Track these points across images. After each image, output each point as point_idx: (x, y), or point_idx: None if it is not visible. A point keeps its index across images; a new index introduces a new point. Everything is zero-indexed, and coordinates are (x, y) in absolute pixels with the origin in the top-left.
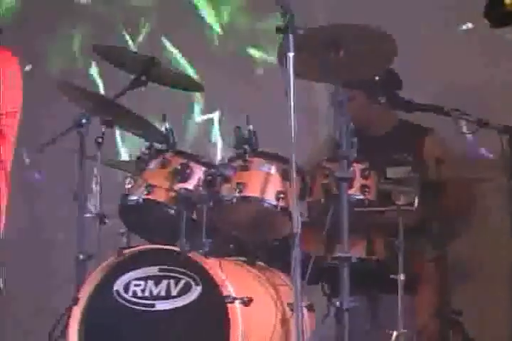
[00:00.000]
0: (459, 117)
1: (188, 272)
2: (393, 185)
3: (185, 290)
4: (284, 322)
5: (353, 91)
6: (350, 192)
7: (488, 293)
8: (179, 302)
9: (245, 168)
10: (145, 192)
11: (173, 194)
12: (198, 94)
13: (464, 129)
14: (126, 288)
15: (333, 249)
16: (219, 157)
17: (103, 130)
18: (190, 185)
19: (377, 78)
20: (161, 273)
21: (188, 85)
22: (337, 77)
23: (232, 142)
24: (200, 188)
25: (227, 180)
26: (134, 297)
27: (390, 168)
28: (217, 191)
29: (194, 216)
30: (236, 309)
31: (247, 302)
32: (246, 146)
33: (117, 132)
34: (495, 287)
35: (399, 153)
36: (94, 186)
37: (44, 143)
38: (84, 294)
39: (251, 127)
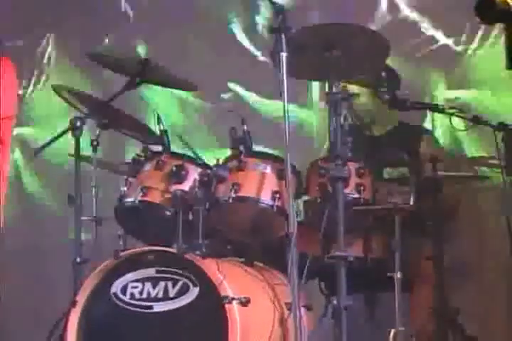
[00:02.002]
0: (455, 114)
1: (186, 273)
2: (390, 185)
3: (183, 291)
4: (282, 321)
5: (360, 88)
6: (346, 191)
7: (486, 291)
8: (177, 304)
9: (241, 168)
10: (141, 194)
11: (168, 195)
12: None
13: (459, 127)
14: (124, 290)
15: (329, 248)
16: None
17: (98, 132)
18: (185, 186)
19: (383, 74)
20: (159, 275)
21: (182, 85)
22: (331, 77)
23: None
24: (196, 189)
25: (222, 180)
26: (132, 299)
27: (386, 169)
28: (213, 192)
29: (190, 217)
30: (234, 309)
31: (244, 302)
32: (241, 147)
33: None
34: (493, 285)
35: (396, 153)
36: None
37: (40, 146)
38: (82, 297)
39: (245, 127)
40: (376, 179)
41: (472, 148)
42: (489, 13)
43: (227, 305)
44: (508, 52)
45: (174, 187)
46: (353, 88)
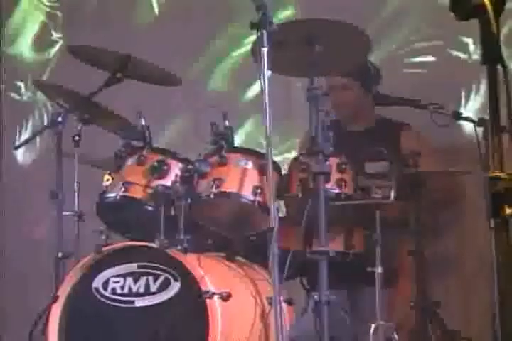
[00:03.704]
0: (435, 110)
1: (167, 268)
2: (371, 180)
3: (164, 286)
4: (263, 316)
5: (350, 81)
6: (327, 186)
7: (467, 286)
8: (158, 299)
9: (222, 164)
10: (122, 190)
11: (150, 191)
12: None
13: (440, 122)
14: (105, 286)
15: (311, 243)
16: None
17: (79, 128)
18: (167, 181)
19: (371, 69)
20: (140, 270)
21: (166, 80)
22: (313, 72)
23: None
24: (178, 184)
25: (204, 176)
26: (114, 294)
27: (368, 163)
28: (195, 187)
29: (172, 212)
30: (215, 304)
31: (225, 297)
32: (222, 142)
33: None
34: (474, 279)
35: (376, 148)
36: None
37: (21, 142)
38: (64, 292)
39: (227, 123)
40: (357, 174)
41: None
42: (464, 9)
43: (208, 300)
44: (483, 48)
45: (156, 183)
46: (342, 80)
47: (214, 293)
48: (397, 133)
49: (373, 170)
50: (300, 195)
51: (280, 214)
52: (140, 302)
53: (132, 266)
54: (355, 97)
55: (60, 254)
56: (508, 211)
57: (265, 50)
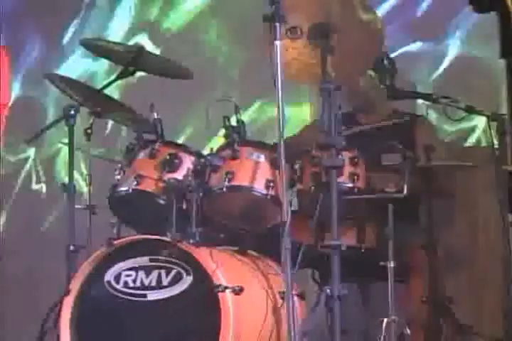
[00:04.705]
0: (448, 104)
1: (179, 262)
2: (384, 173)
3: (176, 280)
4: (275, 310)
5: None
6: (340, 180)
7: (479, 280)
8: (170, 292)
9: (234, 157)
10: (134, 183)
11: (162, 184)
12: None
13: (453, 116)
14: (117, 279)
15: (323, 237)
16: None
17: (91, 121)
18: (179, 175)
19: (386, 62)
20: (152, 264)
21: (177, 73)
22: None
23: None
24: (190, 178)
25: (216, 169)
26: (126, 287)
27: (383, 155)
28: (207, 181)
29: (184, 206)
30: (227, 298)
31: (238, 291)
32: (235, 135)
33: None
34: (486, 274)
35: (390, 141)
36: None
37: (33, 135)
38: (76, 285)
39: (239, 116)
40: (370, 168)
41: None
42: (483, 2)
43: (220, 294)
44: (502, 41)
45: (168, 176)
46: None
47: (226, 287)
48: (411, 126)
49: (389, 162)
50: (312, 189)
51: (292, 208)
52: (152, 296)
53: (144, 260)
54: (366, 85)
55: (72, 247)
56: None
57: (278, 43)
